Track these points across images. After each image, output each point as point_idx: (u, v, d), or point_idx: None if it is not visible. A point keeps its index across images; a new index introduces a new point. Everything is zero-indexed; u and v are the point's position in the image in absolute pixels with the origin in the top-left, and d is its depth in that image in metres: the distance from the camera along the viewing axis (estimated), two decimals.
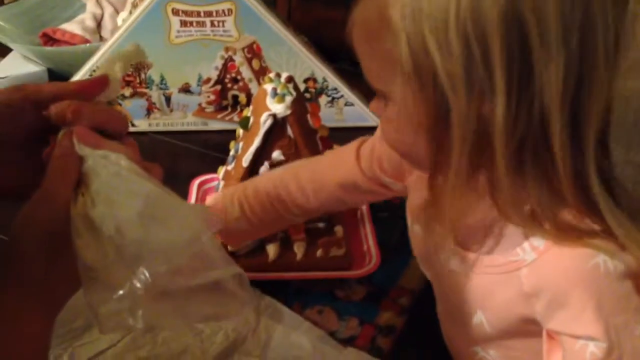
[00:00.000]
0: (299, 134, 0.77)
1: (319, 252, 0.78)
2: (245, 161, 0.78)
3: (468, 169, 0.46)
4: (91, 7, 1.32)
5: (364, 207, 0.87)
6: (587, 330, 0.47)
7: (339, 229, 0.80)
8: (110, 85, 0.48)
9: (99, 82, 0.48)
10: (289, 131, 0.77)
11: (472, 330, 0.56)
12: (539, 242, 0.49)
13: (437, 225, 0.53)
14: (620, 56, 0.43)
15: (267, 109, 0.76)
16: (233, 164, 0.82)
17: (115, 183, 0.41)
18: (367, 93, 1.17)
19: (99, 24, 1.32)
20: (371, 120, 1.10)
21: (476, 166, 0.46)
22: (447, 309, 0.62)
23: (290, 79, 0.80)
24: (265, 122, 0.76)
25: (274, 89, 0.78)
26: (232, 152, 0.83)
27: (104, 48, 1.03)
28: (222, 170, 0.85)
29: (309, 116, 0.80)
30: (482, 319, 0.55)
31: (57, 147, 0.44)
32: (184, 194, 0.89)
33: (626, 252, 0.46)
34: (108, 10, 1.32)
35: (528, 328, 0.52)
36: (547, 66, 0.41)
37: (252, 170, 0.79)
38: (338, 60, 1.65)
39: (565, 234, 0.47)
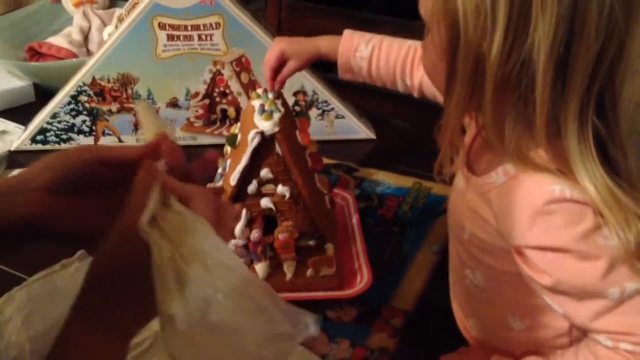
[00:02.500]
0: (288, 151, 0.75)
1: (309, 272, 0.76)
2: (233, 180, 0.76)
3: (465, 93, 0.54)
4: (78, 20, 1.30)
5: (356, 223, 0.86)
6: (541, 241, 0.54)
7: (329, 247, 0.79)
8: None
9: (160, 144, 0.52)
10: (277, 149, 0.75)
11: (463, 246, 0.64)
12: (511, 169, 0.56)
13: (444, 143, 0.61)
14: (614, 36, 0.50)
15: (255, 127, 0.75)
16: (221, 182, 0.80)
17: (209, 249, 0.42)
18: (358, 105, 1.17)
19: (86, 37, 1.30)
20: (362, 132, 1.09)
21: (471, 91, 0.54)
22: (451, 229, 0.69)
23: (278, 95, 0.79)
24: (253, 140, 0.75)
25: (262, 106, 0.76)
26: (219, 170, 0.82)
27: (91, 62, 1.02)
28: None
29: (297, 132, 0.79)
30: (470, 232, 0.62)
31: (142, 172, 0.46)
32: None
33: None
34: (95, 23, 1.30)
35: (502, 245, 0.58)
36: (543, 12, 0.48)
37: (240, 188, 0.77)
38: (329, 71, 1.64)
39: (530, 167, 0.54)
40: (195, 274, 0.40)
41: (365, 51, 0.85)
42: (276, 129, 0.74)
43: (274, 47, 0.87)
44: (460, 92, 0.54)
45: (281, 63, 0.86)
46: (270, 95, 0.78)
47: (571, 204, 0.53)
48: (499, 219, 0.57)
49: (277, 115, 0.75)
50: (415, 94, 0.86)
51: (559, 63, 0.50)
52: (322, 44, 0.88)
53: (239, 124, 0.81)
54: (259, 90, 0.79)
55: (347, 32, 0.87)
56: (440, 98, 0.68)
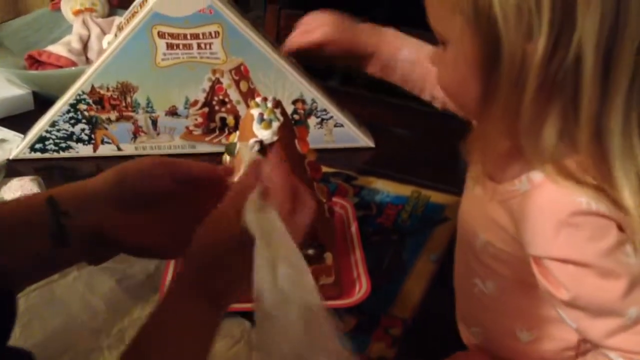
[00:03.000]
0: (286, 160, 0.75)
1: None
2: None
3: (509, 103, 0.51)
4: (77, 28, 1.30)
5: (354, 231, 0.86)
6: (562, 253, 0.52)
7: (328, 256, 0.78)
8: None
9: (226, 172, 0.59)
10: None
11: (475, 254, 0.62)
12: (536, 176, 0.54)
13: (474, 153, 0.59)
14: None
15: (254, 135, 0.75)
16: None
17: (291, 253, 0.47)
18: (357, 113, 1.17)
19: (85, 45, 1.30)
20: (361, 141, 1.09)
21: (514, 100, 0.51)
22: (461, 238, 0.67)
23: (277, 104, 0.79)
24: (252, 149, 0.75)
25: (261, 115, 0.76)
26: None
27: (90, 71, 1.02)
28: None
29: (296, 141, 0.79)
30: (484, 240, 0.60)
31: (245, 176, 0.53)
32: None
33: (616, 207, 0.51)
34: (95, 31, 1.30)
35: (519, 254, 0.57)
36: (588, 10, 0.47)
37: None
38: (328, 79, 1.64)
39: (563, 176, 0.52)
40: (282, 268, 0.46)
41: (408, 54, 0.84)
42: (275, 138, 0.74)
43: (321, 27, 0.86)
44: (503, 103, 0.51)
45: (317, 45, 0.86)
46: (270, 104, 0.78)
47: (597, 217, 0.51)
48: (521, 226, 0.56)
49: (275, 124, 0.75)
50: (439, 106, 0.85)
51: (605, 56, 0.48)
52: (363, 38, 0.86)
53: (237, 132, 0.81)
54: (258, 99, 0.79)
55: (390, 31, 0.86)
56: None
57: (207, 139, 1.08)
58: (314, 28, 0.86)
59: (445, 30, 0.54)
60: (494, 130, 0.54)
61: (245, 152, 0.62)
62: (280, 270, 0.46)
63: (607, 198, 0.51)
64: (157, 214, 0.55)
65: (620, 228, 0.52)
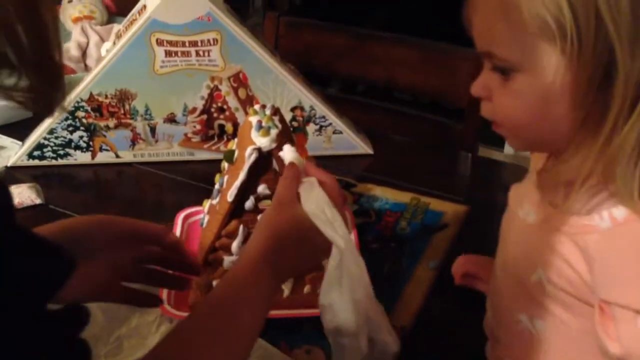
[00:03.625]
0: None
1: (306, 289, 0.76)
2: (230, 196, 0.76)
3: (621, 126, 0.45)
4: (76, 35, 1.31)
5: (353, 238, 0.85)
6: (636, 302, 0.48)
7: (327, 263, 0.78)
8: None
9: (166, 231, 0.67)
10: (275, 165, 0.75)
11: (526, 289, 0.56)
12: (619, 214, 0.49)
13: (550, 194, 0.53)
14: None
15: (252, 143, 0.75)
16: (218, 198, 0.80)
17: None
18: (356, 120, 1.17)
19: (84, 52, 1.31)
20: (360, 148, 1.09)
21: (629, 125, 0.45)
22: (508, 268, 0.61)
23: (275, 111, 0.79)
24: (250, 156, 0.75)
25: (259, 122, 0.76)
26: (216, 186, 0.82)
27: (88, 78, 1.02)
28: (207, 204, 0.84)
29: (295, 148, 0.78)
30: (541, 276, 0.54)
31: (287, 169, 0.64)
32: (169, 226, 0.87)
33: None
34: (93, 38, 1.31)
35: (585, 298, 0.52)
36: None
37: (238, 205, 0.77)
38: (328, 86, 1.64)
39: None
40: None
41: None
42: (273, 145, 0.74)
43: (478, 263, 0.77)
44: (610, 131, 0.45)
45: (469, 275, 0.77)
46: (268, 111, 0.78)
47: None
48: (597, 266, 0.50)
49: (274, 132, 0.75)
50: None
51: None
52: None
53: (236, 140, 0.81)
54: (257, 107, 0.79)
55: None
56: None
57: (206, 146, 1.08)
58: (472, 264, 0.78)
59: (521, 57, 0.47)
60: (590, 161, 0.48)
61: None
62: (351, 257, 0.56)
63: None
64: (91, 266, 0.59)
65: None
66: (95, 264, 0.59)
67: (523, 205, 0.59)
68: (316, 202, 0.57)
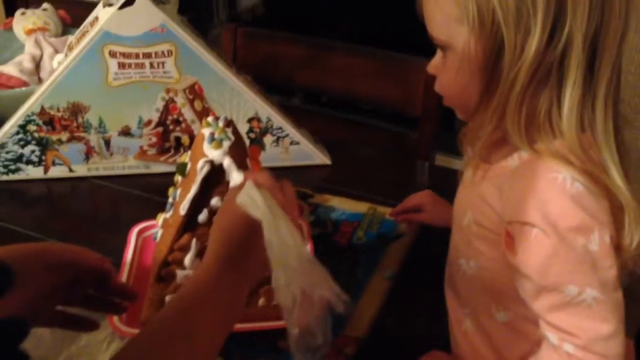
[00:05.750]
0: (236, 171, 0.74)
1: (261, 301, 0.76)
2: (183, 209, 0.76)
3: (506, 97, 0.57)
4: (30, 48, 1.28)
5: (309, 249, 0.85)
6: (530, 217, 0.57)
7: None
8: None
9: (102, 261, 0.67)
10: (228, 177, 0.75)
11: (461, 233, 0.67)
12: (525, 155, 0.60)
13: (469, 146, 0.66)
14: (630, 14, 0.57)
15: (204, 155, 0.75)
16: (171, 212, 0.79)
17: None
18: (316, 131, 1.17)
19: (38, 65, 1.28)
20: (317, 158, 1.09)
21: (510, 93, 0.57)
22: (454, 222, 0.71)
23: (229, 123, 0.79)
24: (202, 169, 0.74)
25: (212, 134, 0.76)
26: (170, 200, 0.81)
27: (39, 92, 1.00)
28: (160, 218, 0.83)
29: (248, 160, 0.78)
30: (470, 218, 0.65)
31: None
32: (125, 241, 0.86)
33: (595, 185, 0.56)
34: (47, 50, 1.28)
35: (498, 231, 0.61)
36: (577, 7, 0.53)
37: (191, 218, 0.76)
38: (292, 97, 1.64)
39: (550, 155, 0.57)
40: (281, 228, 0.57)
41: None
42: (226, 158, 0.74)
43: (421, 195, 0.90)
44: (501, 97, 0.57)
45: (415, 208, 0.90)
46: (221, 124, 0.78)
47: (567, 195, 0.56)
48: (505, 198, 0.61)
49: (226, 144, 0.75)
50: None
51: (591, 48, 0.55)
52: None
53: (189, 152, 0.80)
54: (210, 119, 0.79)
55: None
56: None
57: (162, 158, 1.06)
58: (413, 197, 0.91)
59: (449, 38, 0.60)
60: (487, 122, 0.60)
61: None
62: (281, 230, 0.56)
63: (590, 179, 0.56)
64: (27, 292, 0.60)
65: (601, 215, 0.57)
66: (32, 290, 0.59)
67: (468, 170, 0.69)
68: (245, 191, 0.59)
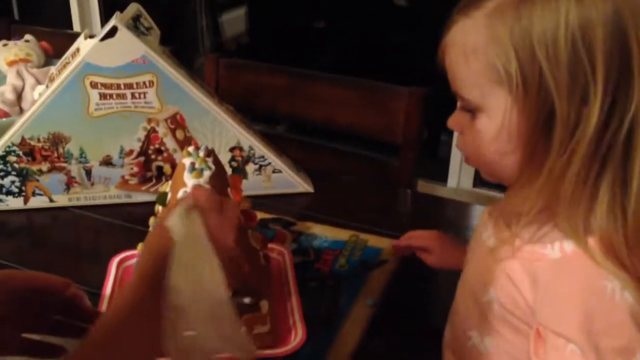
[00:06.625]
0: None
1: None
2: None
3: (559, 167, 0.49)
4: (11, 79, 1.28)
5: (290, 277, 0.85)
6: (570, 333, 0.50)
7: (264, 304, 0.77)
8: None
9: (65, 284, 0.66)
10: None
11: (479, 307, 0.60)
12: (568, 247, 0.52)
13: (506, 222, 0.57)
14: None
15: (185, 185, 0.74)
16: None
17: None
18: (299, 159, 1.18)
19: (20, 95, 1.28)
20: (300, 186, 1.10)
21: (560, 164, 0.50)
22: (466, 286, 0.65)
23: (209, 153, 0.79)
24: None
25: (192, 164, 0.76)
26: (151, 229, 0.81)
27: (19, 122, 1.00)
28: (141, 248, 0.82)
29: (229, 190, 0.78)
30: (492, 297, 0.58)
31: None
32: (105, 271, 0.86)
33: None
34: (29, 81, 1.29)
35: (526, 318, 0.55)
36: None
37: None
38: (277, 125, 1.65)
39: (603, 254, 0.50)
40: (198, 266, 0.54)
41: None
42: (206, 187, 0.74)
43: (429, 236, 0.85)
44: (551, 175, 0.50)
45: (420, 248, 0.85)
46: (202, 153, 0.78)
47: (619, 312, 0.49)
48: (541, 293, 0.53)
49: (207, 173, 0.75)
50: None
51: None
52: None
53: (169, 182, 0.80)
54: (190, 148, 0.79)
55: None
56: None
57: (144, 188, 1.06)
58: (420, 236, 0.86)
59: (482, 101, 0.53)
60: (533, 200, 0.52)
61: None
62: (196, 269, 0.52)
63: (638, 285, 0.49)
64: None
65: None
66: None
67: (487, 227, 0.63)
68: (175, 214, 0.57)
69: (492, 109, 0.52)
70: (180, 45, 2.59)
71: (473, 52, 0.52)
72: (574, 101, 0.48)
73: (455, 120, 0.58)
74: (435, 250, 0.82)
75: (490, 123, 0.53)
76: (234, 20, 2.76)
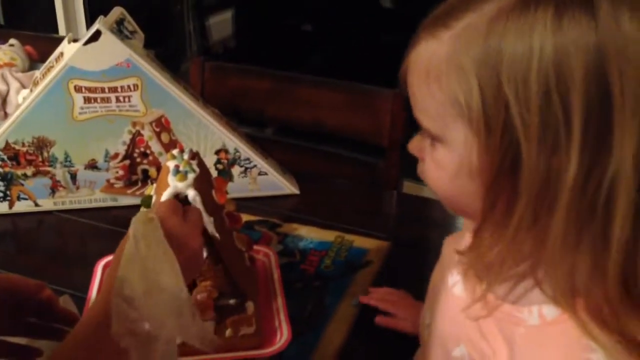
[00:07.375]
0: (203, 211, 0.75)
1: (228, 332, 0.75)
2: None
3: (529, 220, 0.44)
4: None
5: (277, 278, 0.85)
6: None
7: (249, 306, 0.78)
8: None
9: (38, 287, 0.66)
10: None
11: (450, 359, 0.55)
12: (549, 312, 0.47)
13: (473, 271, 0.52)
14: None
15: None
16: None
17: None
18: (286, 161, 1.18)
19: (4, 100, 1.28)
20: (286, 188, 1.10)
21: (537, 218, 0.44)
22: (435, 333, 0.60)
23: (194, 156, 0.79)
24: None
25: (177, 167, 0.76)
26: None
27: (3, 127, 1.00)
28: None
29: (214, 192, 0.79)
30: (464, 352, 0.53)
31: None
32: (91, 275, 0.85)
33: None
34: (14, 85, 1.28)
35: None
36: (624, 131, 0.40)
37: None
38: (265, 128, 1.65)
39: (590, 317, 0.45)
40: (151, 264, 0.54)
41: None
42: (190, 190, 0.74)
43: (393, 301, 0.81)
44: (522, 217, 0.44)
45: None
46: (186, 156, 0.78)
47: None
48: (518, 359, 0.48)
49: (191, 176, 0.75)
50: None
51: None
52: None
53: (154, 185, 0.80)
54: (175, 151, 0.79)
55: None
56: None
57: (129, 191, 1.06)
58: (383, 299, 0.83)
59: (442, 132, 0.47)
60: (504, 247, 0.46)
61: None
62: (154, 268, 0.53)
63: (625, 346, 0.44)
64: None
65: None
66: None
67: (453, 272, 0.57)
68: (135, 220, 0.59)
69: (453, 142, 0.46)
70: (167, 48, 2.58)
71: (435, 79, 0.46)
72: (545, 149, 0.42)
73: (415, 145, 0.52)
74: (404, 316, 0.79)
75: (450, 157, 0.47)
76: (221, 24, 2.76)
